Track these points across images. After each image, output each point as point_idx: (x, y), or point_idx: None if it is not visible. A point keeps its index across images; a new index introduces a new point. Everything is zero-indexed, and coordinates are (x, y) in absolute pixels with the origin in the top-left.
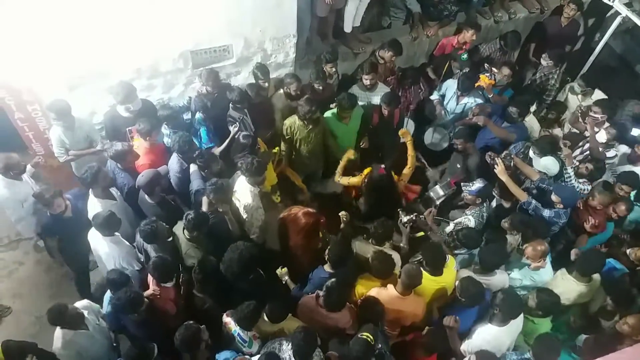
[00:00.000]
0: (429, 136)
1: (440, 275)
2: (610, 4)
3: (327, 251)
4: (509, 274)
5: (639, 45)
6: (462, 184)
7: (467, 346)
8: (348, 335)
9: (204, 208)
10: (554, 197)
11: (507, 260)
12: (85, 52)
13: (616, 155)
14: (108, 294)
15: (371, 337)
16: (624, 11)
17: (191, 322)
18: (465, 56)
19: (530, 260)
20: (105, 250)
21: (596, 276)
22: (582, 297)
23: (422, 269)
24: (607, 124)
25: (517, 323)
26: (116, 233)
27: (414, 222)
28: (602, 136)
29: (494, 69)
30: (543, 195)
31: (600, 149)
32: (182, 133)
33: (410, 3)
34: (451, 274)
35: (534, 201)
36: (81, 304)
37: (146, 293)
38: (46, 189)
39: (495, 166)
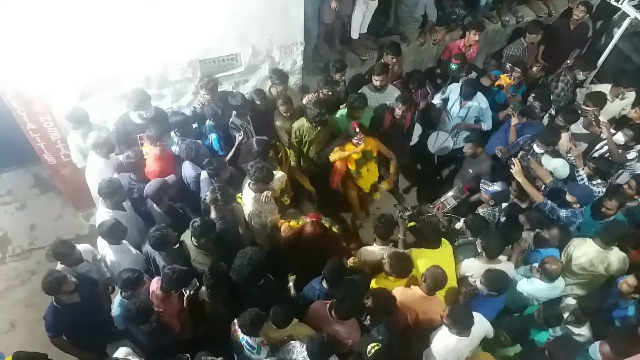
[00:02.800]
0: (433, 141)
1: (439, 247)
2: (619, 5)
3: (324, 270)
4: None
5: None
6: (482, 181)
7: (426, 356)
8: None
9: (212, 215)
10: (569, 197)
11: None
12: (96, 62)
13: (637, 156)
14: (119, 297)
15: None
16: (633, 13)
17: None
18: (454, 66)
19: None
20: (112, 259)
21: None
22: (593, 265)
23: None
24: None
25: (477, 334)
26: (123, 241)
27: (412, 216)
28: (619, 138)
29: (516, 68)
30: (557, 196)
31: (620, 151)
32: (189, 140)
33: (430, 13)
34: (448, 248)
35: (549, 202)
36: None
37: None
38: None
39: (512, 166)
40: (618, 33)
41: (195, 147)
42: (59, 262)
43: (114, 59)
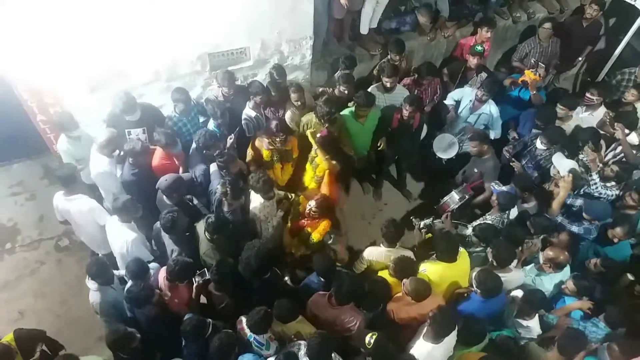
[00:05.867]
0: (438, 142)
1: (455, 261)
2: (633, 3)
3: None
4: None
5: None
6: (494, 182)
7: None
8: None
9: (225, 208)
10: (585, 216)
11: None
12: (106, 55)
13: None
14: (128, 285)
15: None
16: None
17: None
18: (479, 47)
19: (544, 262)
20: (120, 237)
21: None
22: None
23: (438, 260)
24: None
25: (450, 340)
26: (132, 222)
27: (431, 228)
28: (633, 138)
29: (540, 64)
30: (570, 211)
31: (635, 152)
32: (207, 129)
33: (442, 8)
34: (465, 260)
35: (559, 217)
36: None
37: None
38: None
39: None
40: (631, 31)
41: (214, 134)
42: (90, 278)
43: (123, 52)
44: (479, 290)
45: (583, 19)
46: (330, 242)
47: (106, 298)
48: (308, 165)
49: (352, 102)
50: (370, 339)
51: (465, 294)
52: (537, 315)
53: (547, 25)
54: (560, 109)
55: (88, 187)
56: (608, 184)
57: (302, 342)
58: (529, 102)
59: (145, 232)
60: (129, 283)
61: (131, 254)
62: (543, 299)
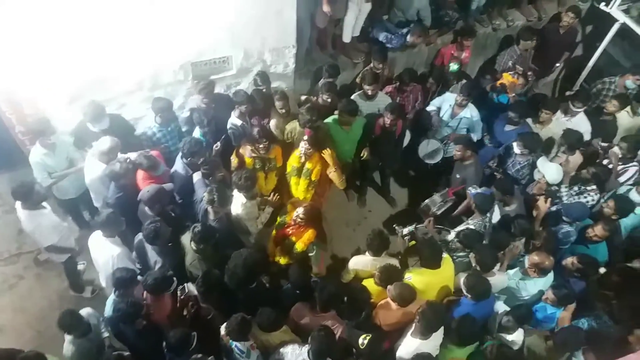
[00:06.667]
0: (424, 148)
1: (439, 267)
2: (608, 10)
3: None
4: None
5: (637, 51)
6: (471, 186)
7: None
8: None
9: (211, 216)
10: (565, 219)
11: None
12: (87, 64)
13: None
14: (111, 297)
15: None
16: (622, 18)
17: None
18: (455, 67)
19: (529, 266)
20: (104, 252)
21: None
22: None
23: (422, 267)
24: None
25: (438, 336)
26: (116, 236)
27: (414, 235)
28: (616, 151)
29: (518, 67)
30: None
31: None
32: (192, 137)
33: (424, 17)
34: (450, 266)
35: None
36: (85, 311)
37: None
38: None
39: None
40: (607, 38)
41: (200, 141)
42: (66, 333)
43: (105, 61)
44: (469, 295)
45: (560, 27)
46: (312, 254)
47: (82, 350)
48: (295, 179)
49: (337, 110)
50: (363, 340)
51: (456, 299)
52: (520, 328)
53: (531, 43)
54: (545, 114)
55: (61, 202)
56: (589, 188)
57: (288, 348)
58: (508, 107)
59: (129, 246)
60: (114, 299)
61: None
62: (527, 314)
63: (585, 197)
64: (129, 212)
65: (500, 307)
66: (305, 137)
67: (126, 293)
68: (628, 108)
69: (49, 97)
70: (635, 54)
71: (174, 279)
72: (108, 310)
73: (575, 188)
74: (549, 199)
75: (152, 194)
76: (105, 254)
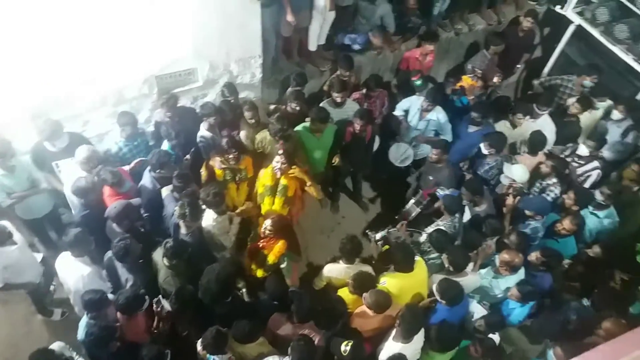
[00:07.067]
0: (394, 152)
1: (412, 270)
2: (563, 13)
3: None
4: None
5: (593, 51)
6: (440, 187)
7: None
8: None
9: (183, 231)
10: (527, 213)
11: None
12: (49, 81)
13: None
14: (84, 320)
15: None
16: (577, 20)
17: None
18: (419, 82)
19: (499, 265)
20: (74, 273)
21: None
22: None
23: (396, 271)
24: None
25: (419, 339)
26: (85, 256)
27: (387, 239)
28: (583, 150)
29: (477, 70)
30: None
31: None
32: (157, 150)
33: (388, 24)
34: (422, 269)
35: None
36: (57, 345)
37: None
38: None
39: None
40: (564, 39)
41: (167, 153)
42: None
43: (67, 77)
44: (443, 301)
45: (519, 29)
46: (283, 266)
47: None
48: (269, 199)
49: (308, 118)
50: (345, 347)
51: (431, 305)
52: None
53: (500, 47)
54: (518, 119)
55: (25, 222)
56: (550, 182)
57: (275, 356)
58: (468, 108)
59: (99, 264)
60: (87, 321)
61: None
62: (501, 321)
63: (548, 194)
64: (96, 230)
65: (475, 307)
66: (280, 152)
67: (99, 315)
68: None
69: (8, 116)
70: (590, 54)
71: (146, 297)
72: (81, 333)
73: (537, 185)
74: (517, 197)
75: (119, 210)
76: (75, 274)
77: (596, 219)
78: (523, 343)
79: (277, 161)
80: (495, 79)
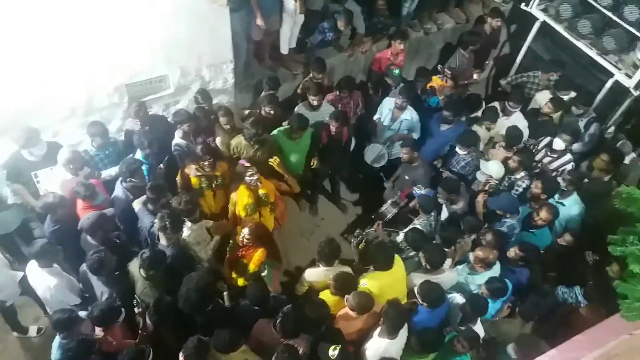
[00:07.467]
0: (369, 153)
1: (391, 268)
2: (528, 10)
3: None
4: None
5: (558, 47)
6: (416, 186)
7: None
8: None
9: (164, 242)
10: (498, 212)
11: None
12: (15, 93)
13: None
14: (57, 340)
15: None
16: (541, 16)
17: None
18: (397, 71)
19: (474, 262)
20: (41, 283)
21: None
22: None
23: (376, 270)
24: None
25: (403, 334)
26: (55, 265)
27: (365, 239)
28: (559, 144)
29: (446, 70)
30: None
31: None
32: (127, 158)
33: (357, 25)
34: (400, 265)
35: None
36: None
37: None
38: None
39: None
40: (530, 35)
41: (136, 161)
42: None
43: (34, 88)
44: (425, 303)
45: (485, 27)
46: (264, 274)
47: None
48: (257, 216)
49: (287, 122)
50: (333, 352)
51: (412, 307)
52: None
53: (476, 47)
54: (488, 125)
55: None
56: (518, 176)
57: None
58: (439, 108)
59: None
60: (60, 341)
61: (54, 300)
62: (485, 305)
63: (516, 190)
64: (69, 244)
65: (457, 298)
66: (246, 164)
67: (71, 334)
68: (551, 96)
69: None
70: (556, 49)
71: (122, 309)
72: (55, 354)
73: (506, 179)
74: (485, 196)
75: (92, 221)
76: (42, 285)
77: (563, 208)
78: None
79: (250, 175)
80: (475, 76)
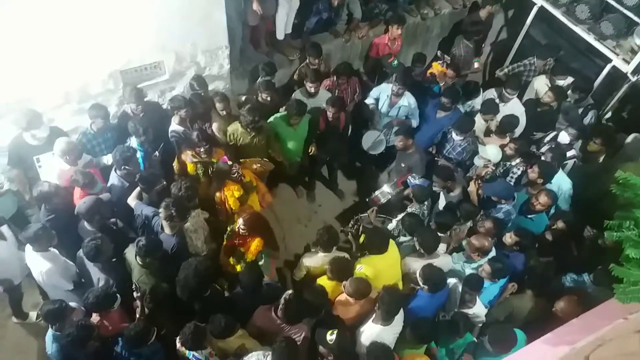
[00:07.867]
0: (366, 139)
1: (386, 251)
2: None
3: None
4: None
5: (556, 32)
6: (411, 175)
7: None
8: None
9: (168, 231)
10: (493, 198)
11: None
12: (10, 79)
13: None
14: (50, 333)
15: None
16: (539, 1)
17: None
18: (395, 63)
19: (471, 251)
20: (35, 267)
21: None
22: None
23: (371, 254)
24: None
25: (398, 321)
26: (51, 249)
27: (359, 225)
28: (564, 138)
29: (446, 56)
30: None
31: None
32: (120, 145)
33: (354, 10)
34: (394, 248)
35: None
36: None
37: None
38: None
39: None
40: (528, 20)
41: (129, 148)
42: None
43: (29, 74)
44: (425, 287)
45: (481, 13)
46: (261, 263)
47: None
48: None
49: (284, 108)
50: (331, 336)
51: (411, 292)
52: (478, 299)
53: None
54: (487, 119)
55: None
56: (514, 162)
57: (254, 354)
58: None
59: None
60: (53, 333)
61: (47, 285)
62: (479, 279)
63: (511, 176)
64: (65, 234)
65: (452, 281)
66: (229, 162)
67: (62, 326)
68: (547, 81)
69: None
70: (554, 34)
71: (117, 295)
72: (49, 347)
73: (501, 166)
74: (478, 183)
75: (89, 206)
76: (36, 268)
77: (550, 185)
78: None
79: (235, 172)
80: (476, 65)
